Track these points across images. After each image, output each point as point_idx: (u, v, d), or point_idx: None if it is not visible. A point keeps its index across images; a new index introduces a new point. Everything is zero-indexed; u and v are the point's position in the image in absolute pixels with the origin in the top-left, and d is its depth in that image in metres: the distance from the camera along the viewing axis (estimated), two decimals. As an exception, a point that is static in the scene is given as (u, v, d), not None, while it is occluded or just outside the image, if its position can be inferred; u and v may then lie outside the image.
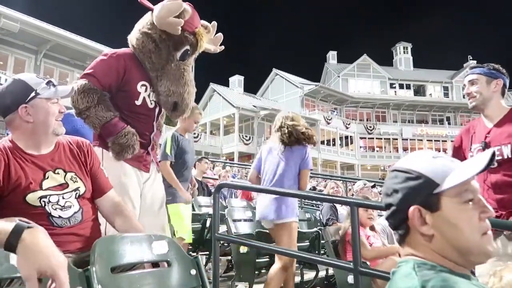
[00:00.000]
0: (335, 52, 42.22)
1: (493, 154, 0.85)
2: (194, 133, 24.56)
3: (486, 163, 0.84)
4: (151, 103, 2.26)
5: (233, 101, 29.96)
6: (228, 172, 9.01)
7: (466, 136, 2.32)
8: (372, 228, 3.45)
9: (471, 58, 40.70)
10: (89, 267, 1.29)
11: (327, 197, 3.49)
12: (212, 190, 4.31)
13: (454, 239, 0.85)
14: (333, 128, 33.11)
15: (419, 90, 40.00)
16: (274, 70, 38.09)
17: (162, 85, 2.22)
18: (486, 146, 2.14)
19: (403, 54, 42.67)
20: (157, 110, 2.32)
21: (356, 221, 2.29)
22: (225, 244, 3.84)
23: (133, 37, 2.23)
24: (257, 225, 4.33)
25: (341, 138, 34.29)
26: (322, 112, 33.80)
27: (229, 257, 4.02)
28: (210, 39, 2.44)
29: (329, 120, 33.12)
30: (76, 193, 1.64)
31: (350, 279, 2.39)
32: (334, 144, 32.87)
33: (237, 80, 35.81)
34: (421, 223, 0.87)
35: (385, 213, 0.97)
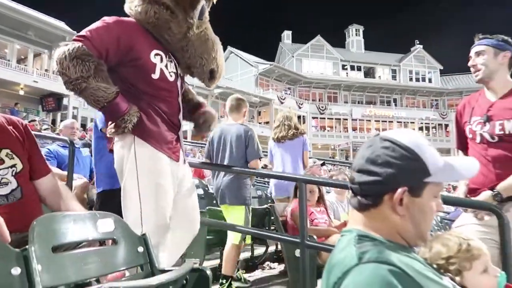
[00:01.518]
0: (289, 32, 42.35)
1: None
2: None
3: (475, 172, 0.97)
4: (171, 75, 1.94)
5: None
6: (181, 150, 8.88)
7: (466, 109, 2.21)
8: (321, 203, 3.51)
9: (418, 42, 42.56)
10: (27, 246, 1.23)
11: (277, 174, 3.55)
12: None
13: (419, 224, 0.92)
14: (287, 108, 33.50)
15: (369, 72, 41.32)
16: (229, 48, 37.58)
17: (191, 56, 1.97)
18: (488, 119, 2.06)
19: (355, 36, 43.65)
20: (178, 83, 2.03)
21: (303, 197, 2.36)
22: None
23: (137, 10, 1.89)
24: (208, 202, 4.34)
25: (294, 118, 34.83)
26: (276, 92, 34.03)
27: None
28: None
29: (283, 99, 33.44)
30: (13, 170, 1.57)
31: (298, 253, 2.48)
32: (287, 124, 33.25)
33: (190, 57, 34.97)
34: (399, 202, 0.90)
35: (357, 177, 0.94)
